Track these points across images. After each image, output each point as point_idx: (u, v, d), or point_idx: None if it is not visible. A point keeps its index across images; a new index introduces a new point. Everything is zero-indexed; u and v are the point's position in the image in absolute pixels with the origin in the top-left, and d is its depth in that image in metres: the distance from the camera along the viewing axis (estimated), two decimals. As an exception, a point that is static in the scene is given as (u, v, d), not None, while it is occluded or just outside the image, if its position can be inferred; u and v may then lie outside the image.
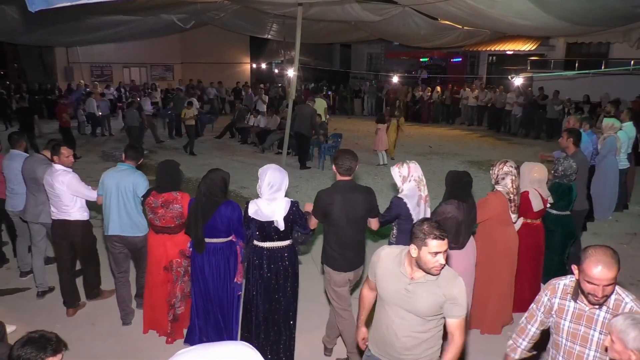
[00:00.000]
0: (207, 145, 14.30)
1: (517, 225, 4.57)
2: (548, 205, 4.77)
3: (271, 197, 3.62)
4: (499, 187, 4.29)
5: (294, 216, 3.68)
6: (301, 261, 4.53)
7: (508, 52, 19.50)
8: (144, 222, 4.53)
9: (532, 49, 18.23)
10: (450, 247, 3.85)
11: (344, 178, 3.74)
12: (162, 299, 4.28)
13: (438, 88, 20.08)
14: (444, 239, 2.40)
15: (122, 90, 20.34)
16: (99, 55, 22.05)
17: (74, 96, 17.51)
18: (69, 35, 16.94)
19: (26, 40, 16.99)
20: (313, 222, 3.83)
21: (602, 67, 16.32)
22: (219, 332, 4.03)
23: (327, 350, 4.20)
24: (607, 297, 2.28)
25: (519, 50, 18.65)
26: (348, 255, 3.77)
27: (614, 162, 7.44)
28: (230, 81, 22.27)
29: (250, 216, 3.66)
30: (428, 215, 3.94)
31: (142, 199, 4.33)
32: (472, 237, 4.11)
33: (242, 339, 3.83)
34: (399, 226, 3.96)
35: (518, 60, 19.51)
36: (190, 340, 4.12)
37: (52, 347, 2.10)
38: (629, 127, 7.93)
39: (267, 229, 3.65)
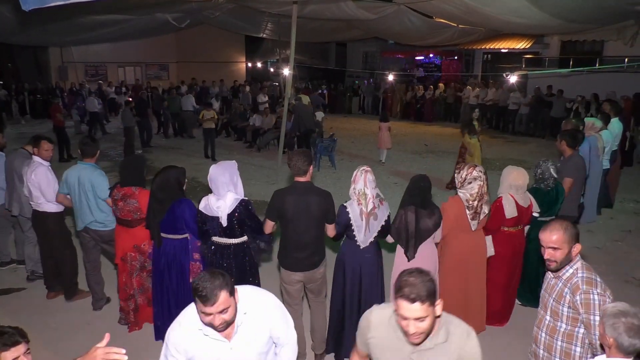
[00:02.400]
0: (202, 144, 14.23)
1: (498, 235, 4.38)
2: (534, 213, 4.54)
3: (218, 192, 3.61)
4: (460, 192, 4.10)
5: (241, 215, 3.62)
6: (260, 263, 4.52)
7: (503, 50, 19.56)
8: (109, 218, 4.60)
9: (527, 47, 18.30)
10: (409, 258, 3.87)
11: (300, 179, 3.70)
12: (120, 285, 4.44)
13: (441, 85, 20.08)
14: (412, 302, 1.85)
15: (123, 89, 20.27)
16: (94, 55, 21.96)
17: (79, 99, 17.49)
18: (63, 35, 16.84)
19: (20, 40, 16.88)
20: (268, 225, 3.75)
21: (597, 65, 16.37)
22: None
23: (318, 358, 4.07)
24: (556, 262, 2.60)
25: (513, 49, 18.71)
26: (297, 256, 3.72)
27: (596, 163, 6.99)
28: (226, 80, 22.23)
29: (200, 210, 3.71)
30: (371, 233, 3.72)
31: (108, 198, 4.43)
32: (430, 241, 3.96)
33: None
34: (347, 233, 3.81)
35: (513, 59, 19.56)
36: (160, 335, 4.14)
37: (4, 341, 2.08)
38: (614, 123, 7.75)
39: (214, 224, 3.65)
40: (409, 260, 3.87)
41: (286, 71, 11.62)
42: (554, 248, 2.59)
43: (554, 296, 2.68)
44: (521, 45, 18.28)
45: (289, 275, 3.80)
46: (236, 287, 2.21)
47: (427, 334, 1.97)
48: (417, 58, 24.36)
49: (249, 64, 26.43)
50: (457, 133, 16.67)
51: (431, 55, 23.91)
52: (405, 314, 1.88)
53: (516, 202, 4.33)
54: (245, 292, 2.28)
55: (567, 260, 2.62)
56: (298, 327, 3.81)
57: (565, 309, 2.60)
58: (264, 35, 21.18)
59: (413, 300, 1.85)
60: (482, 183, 4.03)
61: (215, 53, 24.12)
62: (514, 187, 4.33)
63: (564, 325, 2.63)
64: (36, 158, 4.87)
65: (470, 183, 4.04)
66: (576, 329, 2.60)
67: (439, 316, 2.00)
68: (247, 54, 26.38)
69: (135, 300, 4.40)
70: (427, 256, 3.92)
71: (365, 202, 3.69)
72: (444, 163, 11.80)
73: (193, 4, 14.01)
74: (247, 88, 19.89)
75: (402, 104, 20.25)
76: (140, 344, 4.27)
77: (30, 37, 16.21)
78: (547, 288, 2.77)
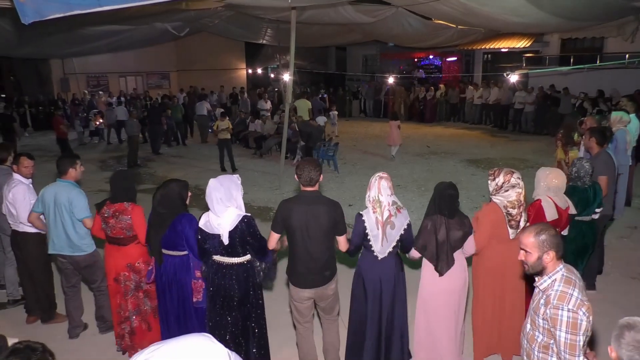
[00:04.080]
0: (204, 152, 14.30)
1: None
2: (571, 214, 4.31)
3: (218, 209, 3.41)
4: (496, 199, 3.85)
5: (242, 232, 3.41)
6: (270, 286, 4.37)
7: (503, 50, 19.57)
8: (85, 241, 4.34)
9: (527, 45, 18.31)
10: (441, 272, 3.60)
11: (308, 189, 3.52)
12: (114, 308, 4.19)
13: (442, 86, 20.11)
14: None
15: (122, 99, 20.36)
16: (95, 66, 22.06)
17: (80, 109, 17.61)
18: (64, 47, 16.95)
19: (21, 53, 17.02)
20: (273, 238, 3.55)
21: (597, 62, 16.35)
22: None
23: None
24: (527, 265, 2.58)
25: (513, 48, 18.72)
26: (307, 271, 3.53)
27: (624, 157, 6.89)
28: (227, 87, 22.30)
29: (200, 227, 3.52)
30: (389, 243, 3.54)
31: (87, 218, 4.21)
32: (460, 255, 3.72)
33: None
34: (364, 244, 3.63)
35: (513, 58, 19.56)
36: None
37: (36, 357, 2.04)
38: (632, 119, 7.58)
39: (214, 242, 3.46)
40: (440, 275, 3.64)
41: (286, 76, 11.65)
42: (526, 251, 2.56)
43: (533, 306, 2.61)
44: (521, 44, 18.29)
45: (298, 293, 3.62)
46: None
47: None
48: (417, 59, 24.39)
49: (250, 71, 26.50)
50: (458, 133, 16.72)
51: (431, 56, 23.93)
52: None
53: (555, 204, 4.10)
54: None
55: (539, 267, 2.53)
56: (310, 347, 3.75)
57: (541, 321, 2.51)
58: (264, 42, 21.26)
59: None
60: (520, 190, 3.80)
61: (215, 60, 24.20)
62: (553, 189, 4.11)
63: (540, 336, 2.54)
64: (16, 176, 4.59)
65: (507, 191, 3.80)
66: (551, 342, 2.50)
67: None
68: (247, 60, 26.45)
69: (130, 323, 4.14)
70: (456, 270, 3.67)
71: (380, 209, 3.50)
72: (447, 165, 11.78)
73: (192, 12, 14.08)
74: (245, 95, 19.92)
75: (405, 106, 20.26)
76: None
77: (31, 50, 16.32)
78: (533, 295, 2.71)
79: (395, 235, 3.55)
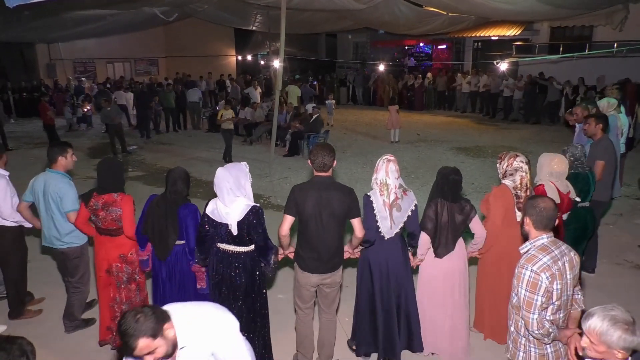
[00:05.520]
0: (193, 139, 14.22)
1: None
2: (575, 198, 4.39)
3: (227, 199, 3.33)
4: (505, 181, 3.90)
5: (250, 223, 3.35)
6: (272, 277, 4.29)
7: (493, 38, 19.57)
8: (75, 233, 4.21)
9: (517, 34, 18.32)
10: (439, 255, 3.69)
11: (321, 174, 3.49)
12: (106, 303, 4.08)
13: (429, 74, 20.09)
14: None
15: (109, 85, 20.11)
16: (82, 51, 21.73)
17: (67, 96, 17.34)
18: (50, 31, 16.66)
19: (5, 36, 16.67)
20: (287, 221, 3.47)
21: (586, 50, 16.44)
22: None
23: None
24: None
25: (503, 36, 18.73)
26: (317, 257, 3.50)
27: (616, 142, 6.71)
28: (215, 74, 22.11)
29: (207, 214, 3.44)
30: (396, 225, 3.58)
31: (72, 212, 4.06)
32: (461, 240, 3.80)
33: None
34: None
35: (503, 46, 19.59)
36: None
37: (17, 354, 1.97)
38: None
39: (222, 231, 3.40)
40: (440, 257, 3.71)
41: (276, 63, 11.57)
42: None
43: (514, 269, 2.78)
44: (511, 32, 18.30)
45: (306, 278, 3.57)
46: (175, 315, 2.08)
47: None
48: (408, 47, 24.33)
49: (239, 57, 26.27)
50: (448, 121, 16.77)
51: (421, 44, 23.88)
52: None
53: (557, 188, 4.14)
54: (191, 321, 2.12)
55: (525, 234, 2.78)
56: (308, 332, 3.74)
57: (515, 281, 2.68)
58: (253, 28, 21.05)
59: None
60: (524, 174, 3.83)
61: (204, 47, 23.95)
62: (555, 174, 4.14)
63: (515, 297, 2.70)
64: None
65: (512, 174, 3.85)
66: None
67: None
68: (236, 47, 26.21)
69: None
70: (455, 254, 3.74)
71: (387, 192, 3.54)
72: (436, 152, 11.83)
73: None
74: (234, 82, 19.68)
75: (394, 93, 20.24)
76: None
77: (15, 34, 16.03)
78: None
79: (402, 217, 3.59)
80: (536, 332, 2.60)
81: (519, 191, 3.83)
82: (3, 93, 18.74)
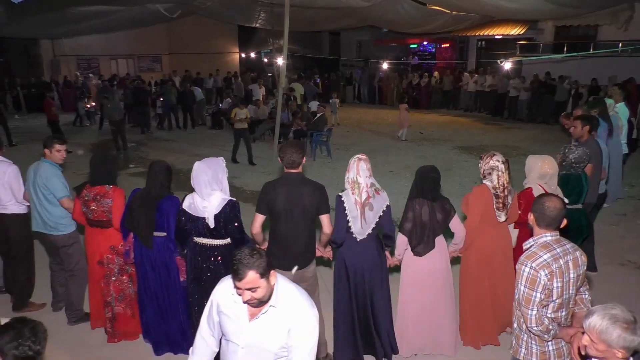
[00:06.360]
0: (197, 136, 14.23)
1: (512, 229, 4.16)
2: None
3: (204, 192, 3.41)
4: (485, 181, 3.89)
5: (227, 216, 3.42)
6: None
7: (497, 37, 19.50)
8: (62, 221, 4.32)
9: (521, 33, 18.26)
10: (419, 253, 3.69)
11: (291, 170, 3.54)
12: (98, 293, 4.17)
13: (436, 73, 19.98)
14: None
15: (115, 82, 20.13)
16: (86, 48, 21.75)
17: (77, 92, 17.42)
18: (54, 27, 16.68)
19: (10, 32, 16.70)
20: (258, 219, 3.56)
21: (591, 50, 16.36)
22: (166, 323, 3.95)
23: None
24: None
25: (507, 35, 18.65)
26: (289, 253, 3.52)
27: (617, 142, 6.87)
28: (220, 71, 22.07)
29: (184, 209, 3.53)
30: (368, 225, 3.58)
31: (65, 198, 4.20)
32: (442, 238, 3.78)
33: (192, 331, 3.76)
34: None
35: (507, 45, 19.53)
36: (148, 337, 4.05)
37: (31, 334, 2.03)
38: (620, 108, 7.62)
39: (198, 225, 3.47)
40: (418, 256, 3.69)
41: (280, 61, 11.55)
42: None
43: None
44: (515, 31, 18.22)
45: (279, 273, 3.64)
46: (281, 279, 2.25)
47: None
48: (411, 46, 24.25)
49: (243, 55, 26.24)
50: (452, 120, 16.74)
51: (425, 42, 23.81)
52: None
53: (546, 192, 4.01)
54: (289, 290, 2.26)
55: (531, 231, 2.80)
56: None
57: (517, 278, 2.69)
58: (257, 25, 21.02)
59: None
60: (500, 173, 3.80)
61: (207, 44, 23.93)
62: (546, 176, 4.06)
63: (517, 292, 2.71)
64: (2, 158, 4.58)
65: (490, 173, 3.84)
66: None
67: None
68: (240, 44, 26.18)
69: (112, 309, 4.07)
70: (435, 251, 3.72)
71: (358, 191, 3.55)
72: (440, 151, 11.81)
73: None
74: (239, 79, 19.77)
75: (398, 92, 20.20)
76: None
77: (20, 29, 16.05)
78: None
79: (373, 217, 3.57)
80: (535, 328, 2.61)
81: (498, 191, 3.81)
82: (12, 89, 18.79)
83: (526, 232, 4.16)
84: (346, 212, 3.56)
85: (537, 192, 4.04)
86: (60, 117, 13.68)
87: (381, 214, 3.59)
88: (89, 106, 16.04)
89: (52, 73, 20.80)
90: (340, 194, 3.64)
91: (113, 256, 4.07)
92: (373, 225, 3.60)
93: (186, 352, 3.75)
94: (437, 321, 3.83)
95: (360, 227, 3.57)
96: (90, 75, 20.66)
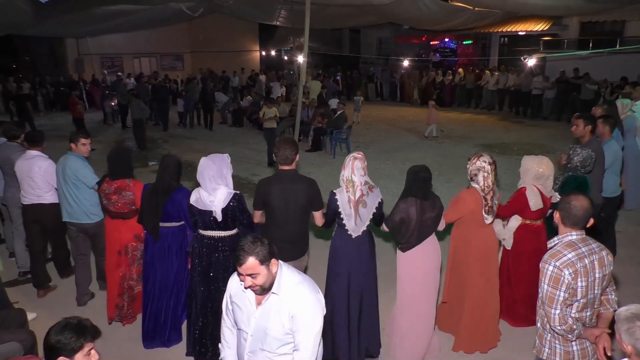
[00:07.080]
0: (218, 133, 14.36)
1: (509, 228, 4.21)
2: (553, 203, 4.19)
3: (210, 186, 3.53)
4: (473, 184, 3.84)
5: (233, 209, 3.57)
6: None
7: (520, 33, 19.19)
8: (94, 210, 4.63)
9: (545, 29, 17.91)
10: (402, 249, 3.73)
11: (285, 167, 3.65)
12: (115, 282, 4.36)
13: (460, 70, 19.77)
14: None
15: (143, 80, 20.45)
16: (109, 46, 22.13)
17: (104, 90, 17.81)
18: (79, 26, 16.98)
19: (36, 31, 17.08)
20: (257, 215, 3.73)
21: (617, 46, 15.98)
22: (166, 315, 4.07)
23: None
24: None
25: (531, 31, 18.33)
26: (283, 246, 3.49)
27: (634, 144, 6.69)
28: (240, 69, 22.24)
29: (191, 204, 3.65)
30: (363, 222, 3.62)
31: (96, 185, 4.46)
32: (434, 238, 3.78)
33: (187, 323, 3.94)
34: (337, 222, 3.72)
35: (530, 41, 19.18)
36: (145, 326, 4.13)
37: (90, 333, 2.20)
38: (639, 106, 7.37)
39: (206, 218, 3.60)
40: (403, 252, 3.75)
41: (300, 59, 11.57)
42: None
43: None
44: (539, 27, 17.89)
45: None
46: (285, 268, 2.32)
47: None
48: (432, 43, 24.06)
49: (263, 53, 26.37)
50: (473, 118, 16.54)
51: (446, 39, 23.59)
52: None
53: (541, 193, 4.07)
54: (291, 277, 2.31)
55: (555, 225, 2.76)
56: None
57: (540, 277, 2.65)
58: (277, 23, 21.10)
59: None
60: (487, 174, 3.76)
61: (229, 42, 24.12)
62: (542, 177, 4.05)
63: (541, 291, 2.67)
64: (34, 152, 4.86)
65: (476, 175, 3.82)
66: None
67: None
68: (260, 42, 26.32)
69: (132, 291, 4.36)
70: (432, 252, 3.76)
71: (352, 189, 3.59)
72: (461, 149, 11.69)
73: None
74: (263, 77, 19.88)
75: (419, 90, 20.04)
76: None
77: (46, 28, 16.40)
78: None
79: (368, 214, 3.64)
80: (558, 327, 2.57)
81: (485, 193, 3.77)
82: (42, 87, 19.21)
83: (524, 233, 4.18)
84: (339, 209, 3.62)
85: (531, 192, 4.05)
86: (86, 115, 13.95)
87: (374, 210, 3.67)
88: (113, 104, 16.32)
89: (77, 71, 21.20)
90: (334, 190, 3.69)
91: (137, 243, 4.32)
92: (367, 222, 3.68)
93: (170, 342, 4.07)
94: (427, 323, 3.85)
95: (355, 224, 3.63)
96: (120, 73, 20.99)
